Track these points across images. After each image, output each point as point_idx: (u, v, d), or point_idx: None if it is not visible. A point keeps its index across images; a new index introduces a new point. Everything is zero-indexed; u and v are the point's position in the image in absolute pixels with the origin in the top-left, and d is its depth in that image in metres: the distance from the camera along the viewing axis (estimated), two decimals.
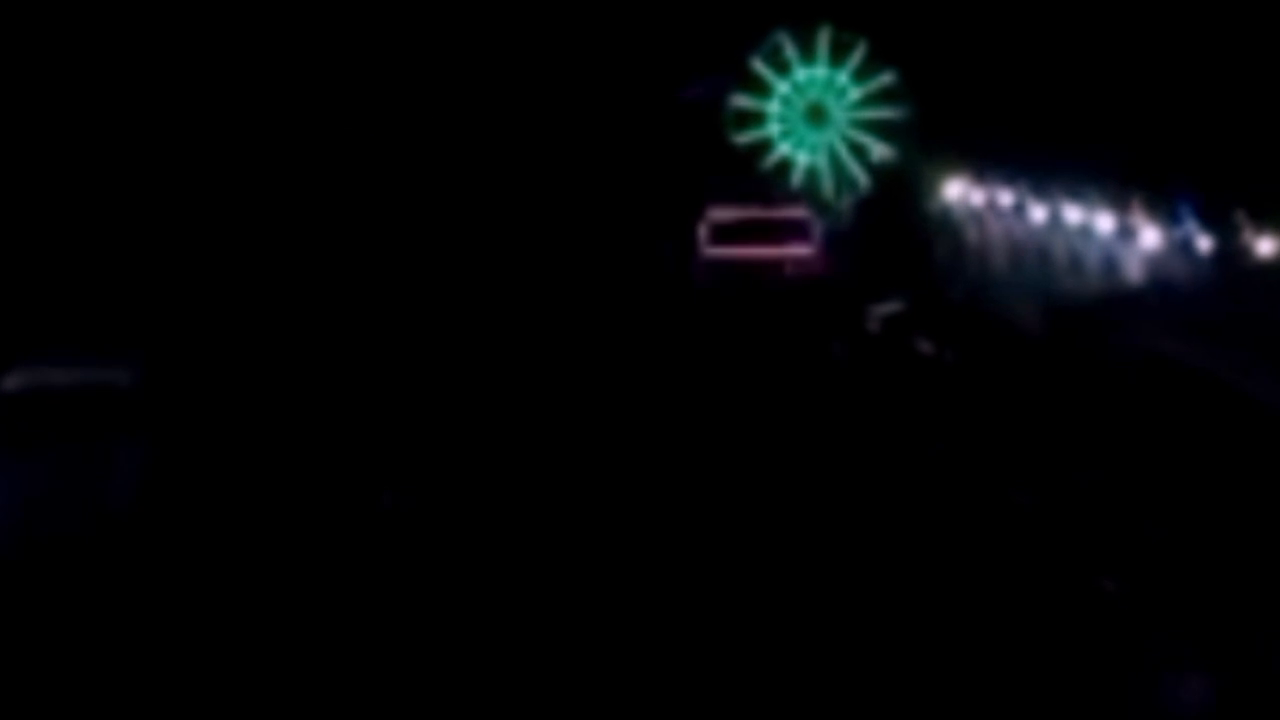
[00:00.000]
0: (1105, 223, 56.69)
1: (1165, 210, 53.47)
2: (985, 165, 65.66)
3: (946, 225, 67.31)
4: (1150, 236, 53.79)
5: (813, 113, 69.98)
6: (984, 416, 43.67)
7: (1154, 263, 53.71)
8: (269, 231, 60.51)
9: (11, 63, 60.05)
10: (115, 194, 60.29)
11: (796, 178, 70.20)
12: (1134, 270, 54.91)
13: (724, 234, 66.27)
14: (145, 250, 57.36)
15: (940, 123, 66.73)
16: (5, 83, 59.82)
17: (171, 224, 59.67)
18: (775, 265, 65.30)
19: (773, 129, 70.27)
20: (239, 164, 63.02)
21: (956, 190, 67.50)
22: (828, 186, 70.13)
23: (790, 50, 69.76)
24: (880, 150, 69.72)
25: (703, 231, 66.57)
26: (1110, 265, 56.44)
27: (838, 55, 69.49)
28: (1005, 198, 64.57)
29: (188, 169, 62.28)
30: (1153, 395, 42.36)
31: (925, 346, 52.97)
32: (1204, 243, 51.17)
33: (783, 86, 69.98)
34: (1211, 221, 51.13)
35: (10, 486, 35.22)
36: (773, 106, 70.17)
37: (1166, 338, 45.90)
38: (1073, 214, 59.14)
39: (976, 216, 66.32)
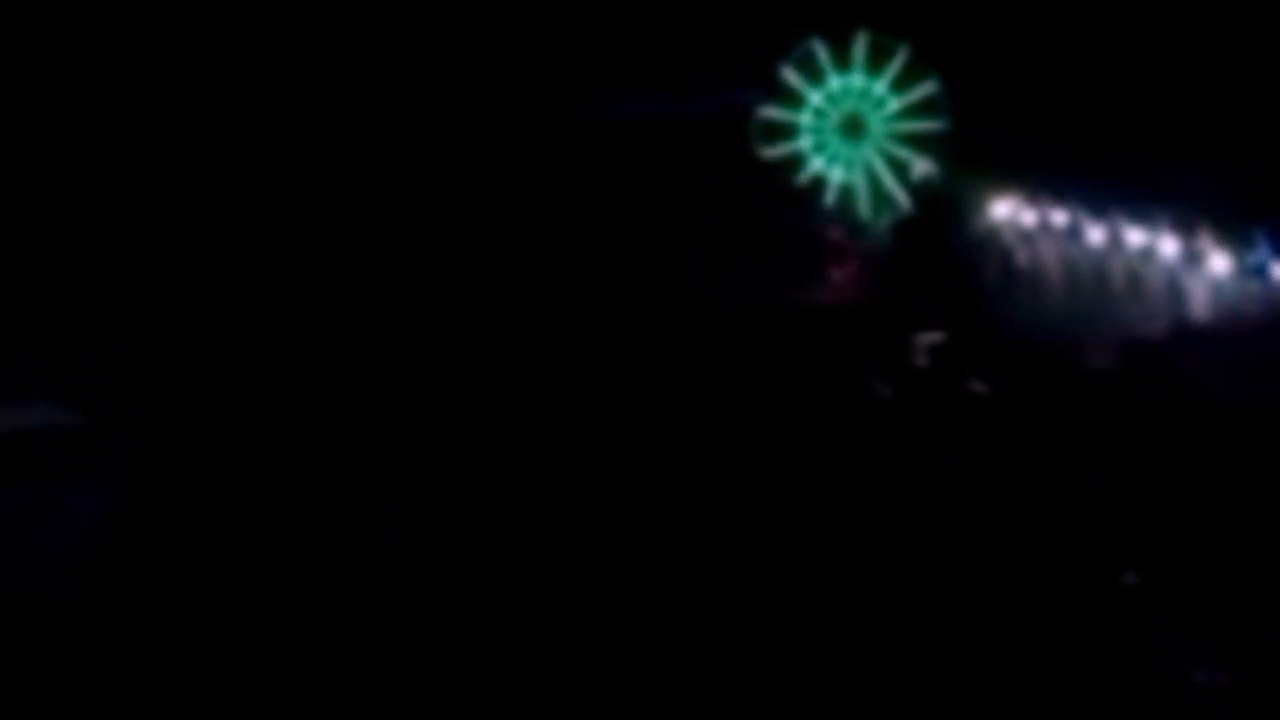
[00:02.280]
0: (1170, 246, 54.06)
1: (1237, 235, 50.90)
2: (1037, 182, 61.99)
3: (994, 247, 63.51)
4: (1220, 263, 51.38)
5: (848, 125, 65.88)
6: (1070, 489, 41.20)
7: (1223, 291, 51.41)
8: (249, 258, 57.83)
9: None
10: (73, 228, 57.69)
11: (830, 196, 66.19)
12: (1201, 298, 52.54)
13: (754, 257, 62.62)
14: (107, 285, 55.21)
15: (987, 136, 62.49)
16: None
17: (137, 250, 57.17)
18: (808, 290, 62.12)
19: (804, 142, 66.13)
20: (203, 193, 59.96)
21: (1005, 209, 63.82)
22: (864, 205, 66.02)
23: (824, 57, 65.60)
24: (921, 166, 65.43)
25: (733, 255, 63.09)
26: (1175, 292, 53.89)
27: (876, 62, 65.21)
28: (1059, 218, 61.12)
29: (146, 202, 59.14)
30: (1234, 445, 41.20)
31: (979, 386, 50.40)
32: None
33: (815, 96, 65.84)
34: None
35: None
36: (805, 118, 66.00)
37: (1240, 382, 44.53)
38: (1134, 236, 56.21)
39: (1027, 238, 62.74)
